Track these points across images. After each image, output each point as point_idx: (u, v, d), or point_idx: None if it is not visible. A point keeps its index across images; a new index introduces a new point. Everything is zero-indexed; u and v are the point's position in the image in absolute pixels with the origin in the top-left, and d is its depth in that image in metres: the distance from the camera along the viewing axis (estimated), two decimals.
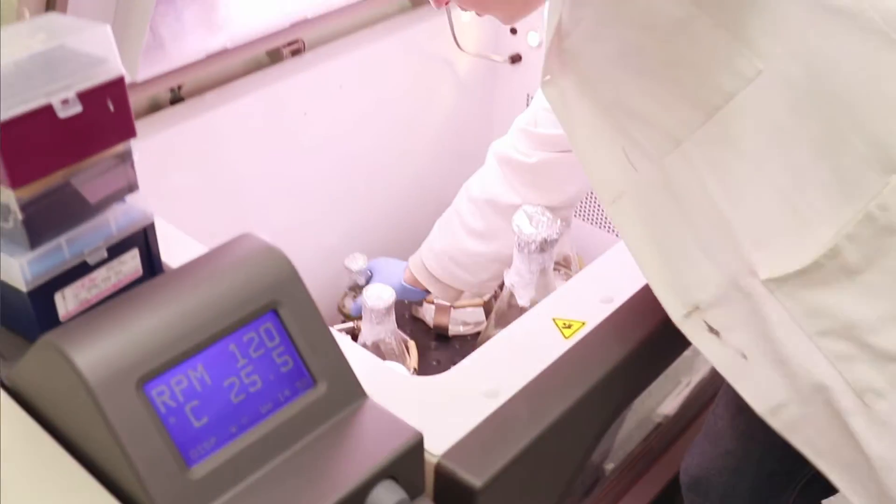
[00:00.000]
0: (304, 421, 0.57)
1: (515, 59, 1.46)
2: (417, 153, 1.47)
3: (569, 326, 0.74)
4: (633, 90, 0.70)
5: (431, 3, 0.97)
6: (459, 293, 1.22)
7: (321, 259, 1.34)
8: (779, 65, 0.62)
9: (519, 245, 0.97)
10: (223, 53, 1.14)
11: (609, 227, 1.46)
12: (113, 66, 0.63)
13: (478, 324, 1.29)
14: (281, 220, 1.29)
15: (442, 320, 1.27)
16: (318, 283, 1.32)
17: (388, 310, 1.01)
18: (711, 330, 0.70)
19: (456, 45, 1.36)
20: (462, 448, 0.63)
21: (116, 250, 0.67)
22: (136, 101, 1.09)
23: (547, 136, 1.06)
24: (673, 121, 0.67)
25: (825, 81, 0.61)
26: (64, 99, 0.60)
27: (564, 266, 1.26)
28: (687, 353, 0.83)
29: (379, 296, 1.01)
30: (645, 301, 0.75)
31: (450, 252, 1.15)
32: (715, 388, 1.12)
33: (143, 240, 0.70)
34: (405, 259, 1.23)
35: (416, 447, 0.58)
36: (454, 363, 1.23)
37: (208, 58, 1.12)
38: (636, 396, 0.79)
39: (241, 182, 1.22)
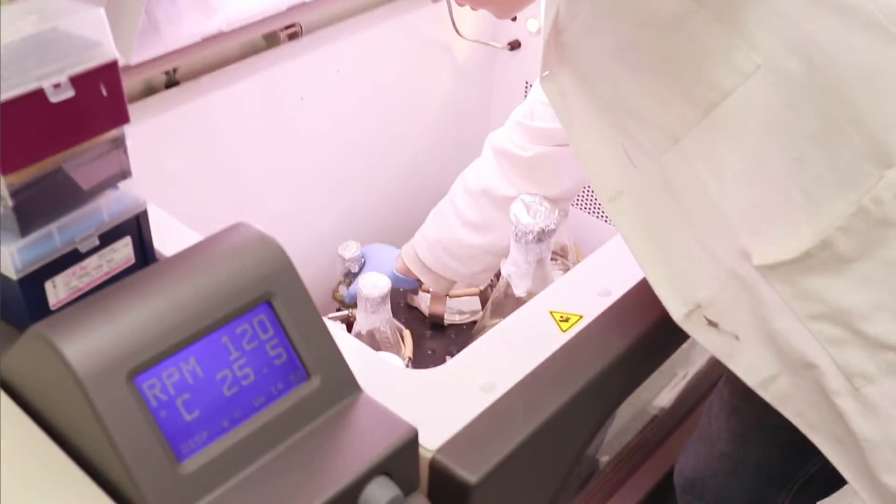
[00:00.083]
0: (298, 415, 0.57)
1: (514, 45, 1.45)
2: (415, 139, 1.46)
3: (566, 320, 0.73)
4: (631, 87, 0.69)
5: None
6: (451, 284, 1.21)
7: (317, 245, 1.33)
8: (777, 59, 0.62)
9: (516, 235, 0.96)
10: (219, 37, 1.12)
11: (607, 218, 1.45)
12: (106, 49, 0.62)
13: (473, 313, 1.28)
14: (277, 206, 1.28)
15: (437, 309, 1.26)
16: (314, 270, 1.31)
17: (383, 298, 1.01)
18: (710, 323, 0.70)
19: (455, 31, 1.35)
20: (457, 443, 0.62)
21: (108, 238, 0.66)
22: (130, 84, 1.08)
23: (543, 129, 1.05)
24: (671, 118, 0.67)
25: (823, 75, 0.61)
26: (56, 83, 0.59)
27: (562, 256, 1.25)
28: (684, 345, 0.83)
29: (374, 284, 1.00)
30: (643, 294, 0.75)
31: (443, 242, 1.14)
32: (711, 380, 1.11)
33: (136, 227, 0.69)
34: (400, 246, 1.22)
35: (411, 443, 0.57)
36: (449, 352, 1.24)
37: (204, 41, 1.11)
38: (633, 390, 0.79)
39: (237, 167, 1.21)
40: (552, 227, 0.94)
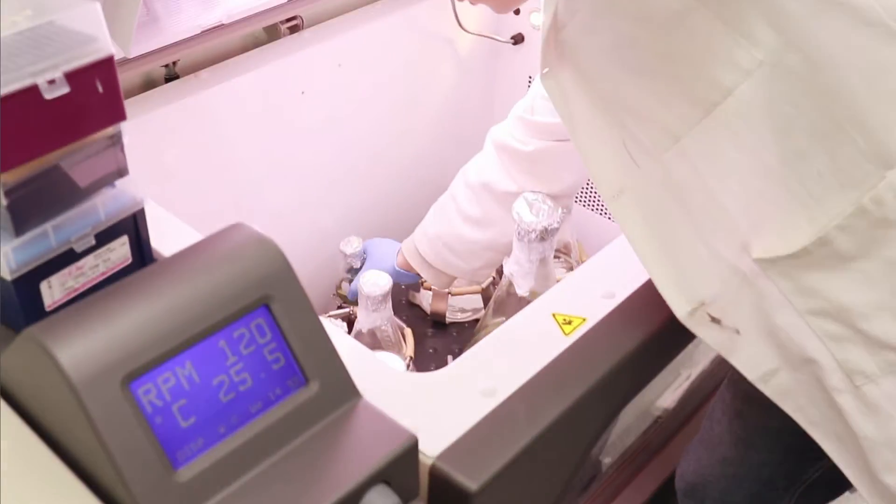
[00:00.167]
0: (296, 421, 0.55)
1: (518, 39, 1.43)
2: (417, 134, 1.45)
3: (569, 322, 0.72)
4: (631, 85, 0.68)
5: None
6: (451, 279, 1.20)
7: (318, 240, 1.32)
8: (778, 56, 0.61)
9: (519, 234, 0.95)
10: (219, 29, 1.11)
11: (611, 215, 1.44)
12: (102, 45, 0.61)
13: (476, 311, 1.27)
14: (277, 201, 1.27)
15: (439, 307, 1.25)
16: (315, 266, 1.30)
17: (384, 297, 0.99)
18: (713, 319, 0.69)
19: (458, 25, 1.33)
20: (458, 449, 0.61)
21: (105, 237, 0.65)
22: (129, 77, 1.07)
23: (544, 124, 1.04)
24: (671, 117, 0.66)
25: (825, 73, 0.60)
26: (50, 79, 0.58)
27: (565, 253, 1.24)
28: (688, 346, 0.82)
29: (375, 282, 0.99)
30: (648, 296, 0.73)
31: (444, 238, 1.13)
32: (715, 382, 1.10)
33: (133, 226, 0.68)
34: (402, 241, 1.21)
35: (411, 450, 0.56)
36: (451, 351, 1.22)
37: (204, 33, 1.10)
38: (637, 394, 0.77)
39: (237, 162, 1.20)
40: (555, 225, 0.93)
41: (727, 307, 0.69)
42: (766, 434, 0.91)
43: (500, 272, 1.25)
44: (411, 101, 1.41)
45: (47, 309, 0.63)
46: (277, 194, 1.27)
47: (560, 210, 0.95)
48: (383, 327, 1.03)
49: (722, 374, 0.96)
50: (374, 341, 1.03)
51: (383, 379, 0.67)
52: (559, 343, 0.70)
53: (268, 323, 0.57)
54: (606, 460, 1.02)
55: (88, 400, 0.49)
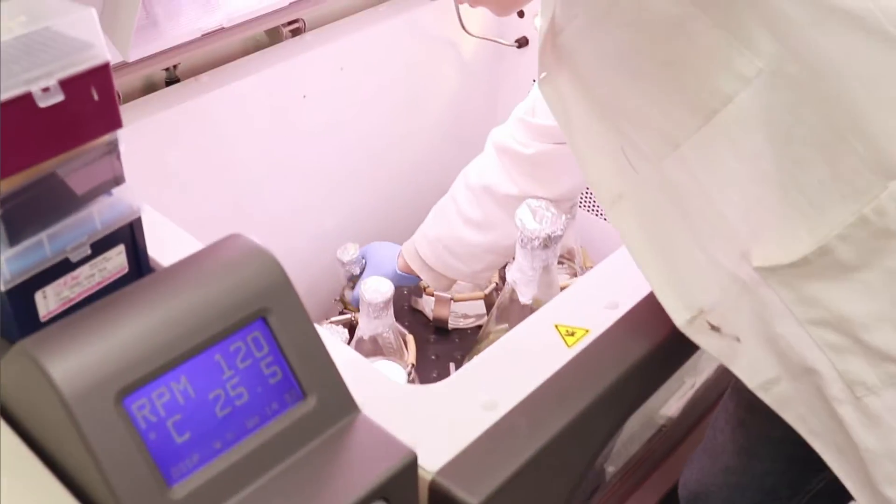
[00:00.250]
0: (293, 436, 0.55)
1: (522, 42, 1.42)
2: (420, 138, 1.44)
3: (572, 334, 0.71)
4: (629, 92, 0.67)
5: None
6: (452, 282, 1.19)
7: (320, 244, 1.31)
8: (779, 64, 0.60)
9: (522, 241, 0.94)
10: (220, 32, 1.11)
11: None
12: (98, 51, 0.60)
13: (479, 317, 1.26)
14: (278, 204, 1.26)
15: (442, 312, 1.24)
16: (318, 269, 1.29)
17: (385, 303, 0.98)
18: (713, 327, 0.69)
19: (461, 28, 1.32)
20: (458, 464, 0.60)
21: (101, 246, 0.64)
22: (130, 81, 1.06)
23: (545, 126, 1.03)
24: (670, 124, 0.66)
25: (826, 82, 0.59)
26: (45, 87, 0.57)
27: (568, 259, 1.23)
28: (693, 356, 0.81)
29: (377, 289, 0.98)
30: (652, 307, 0.72)
31: (444, 240, 1.13)
32: (719, 390, 1.09)
33: (130, 235, 0.67)
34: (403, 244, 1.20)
35: (410, 467, 0.55)
36: (453, 358, 1.21)
37: (204, 37, 1.09)
38: (641, 406, 0.76)
39: (238, 165, 1.19)
40: (559, 233, 0.92)
41: (727, 315, 0.68)
42: (769, 443, 0.90)
43: (503, 278, 1.24)
44: (414, 104, 1.40)
45: (42, 319, 0.62)
46: (279, 197, 1.26)
47: (564, 217, 0.94)
48: (385, 334, 1.02)
49: (726, 383, 0.95)
50: (375, 348, 1.02)
51: (382, 391, 0.66)
52: (562, 355, 0.69)
53: (265, 336, 0.56)
54: (610, 469, 1.01)
55: (81, 416, 0.49)
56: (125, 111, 1.03)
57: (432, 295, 1.23)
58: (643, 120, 0.67)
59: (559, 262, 1.20)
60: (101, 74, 0.60)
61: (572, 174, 1.07)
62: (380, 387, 0.66)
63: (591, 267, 1.25)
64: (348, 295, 1.24)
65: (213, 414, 0.53)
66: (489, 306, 1.24)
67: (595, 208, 1.45)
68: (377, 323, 1.00)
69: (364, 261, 1.22)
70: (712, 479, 0.96)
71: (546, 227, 0.92)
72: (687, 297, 0.69)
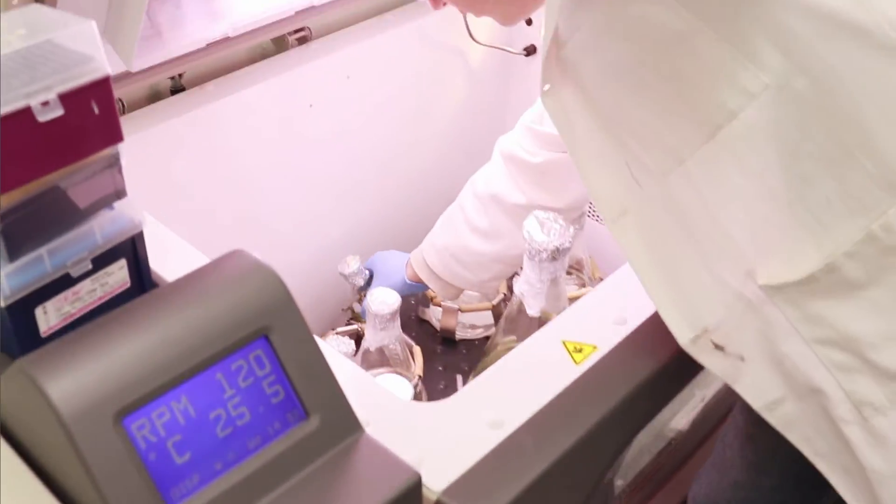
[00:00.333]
0: (295, 457, 0.54)
1: (531, 50, 1.41)
2: (427, 147, 1.43)
3: (579, 350, 0.70)
4: (633, 106, 0.67)
5: (429, 3, 0.93)
6: (460, 291, 1.18)
7: (327, 253, 1.30)
8: (785, 79, 0.59)
9: (529, 253, 0.93)
10: (226, 41, 1.10)
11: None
12: (98, 65, 0.59)
13: (486, 327, 1.25)
14: (285, 213, 1.25)
15: (449, 323, 1.23)
16: (324, 279, 1.28)
17: (392, 315, 0.98)
18: (717, 347, 0.68)
19: (469, 36, 1.31)
20: (463, 484, 0.59)
21: (102, 261, 0.63)
22: (135, 90, 1.05)
23: (553, 135, 1.03)
24: (674, 139, 0.65)
25: (834, 97, 0.59)
26: (44, 101, 0.56)
27: (577, 270, 1.22)
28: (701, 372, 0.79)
29: (383, 301, 0.97)
30: (661, 323, 0.71)
31: (451, 249, 1.12)
32: (728, 404, 1.08)
33: (132, 249, 0.66)
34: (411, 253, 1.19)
35: (414, 489, 0.55)
36: (460, 369, 1.20)
37: (209, 46, 1.08)
38: (649, 423, 0.75)
39: (244, 174, 1.19)
40: (567, 245, 0.91)
41: (731, 334, 0.67)
42: (778, 459, 0.89)
43: (510, 288, 1.23)
44: (421, 113, 1.40)
45: (43, 335, 0.61)
46: (286, 206, 1.25)
47: (572, 228, 0.92)
48: (391, 345, 1.01)
49: (735, 397, 0.94)
50: (381, 359, 1.02)
51: (387, 408, 0.65)
52: (569, 373, 0.68)
53: (267, 355, 0.55)
54: (619, 483, 0.99)
55: (79, 436, 0.48)
56: (130, 120, 1.03)
57: (440, 305, 1.22)
58: (647, 135, 0.67)
59: (567, 273, 1.18)
60: (101, 88, 0.59)
61: (579, 184, 1.06)
62: (384, 404, 0.66)
63: (600, 277, 1.24)
64: (356, 307, 1.23)
65: (214, 434, 0.52)
66: (497, 317, 1.23)
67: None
68: (384, 334, 0.99)
69: (368, 272, 1.21)
70: (721, 494, 0.95)
71: (554, 240, 0.91)
72: (691, 316, 0.68)
